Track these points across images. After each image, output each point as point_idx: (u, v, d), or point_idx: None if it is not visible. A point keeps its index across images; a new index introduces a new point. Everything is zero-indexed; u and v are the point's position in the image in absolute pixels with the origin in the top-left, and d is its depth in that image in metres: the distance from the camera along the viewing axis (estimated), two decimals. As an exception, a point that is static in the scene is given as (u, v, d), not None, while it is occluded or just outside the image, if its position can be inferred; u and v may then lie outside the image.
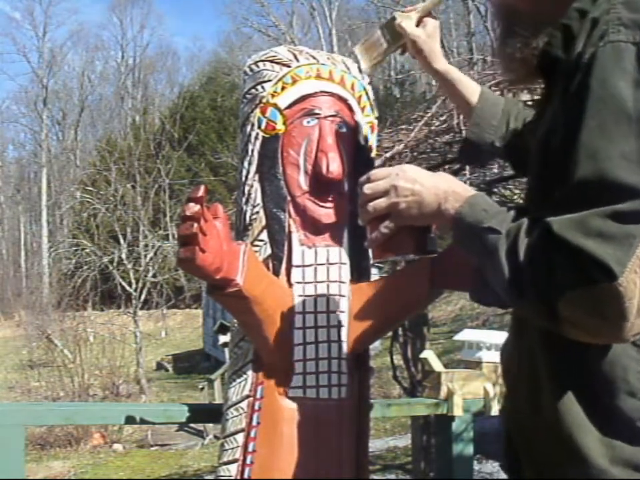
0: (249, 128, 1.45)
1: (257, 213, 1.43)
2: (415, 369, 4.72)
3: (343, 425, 1.43)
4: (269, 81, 1.43)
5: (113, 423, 6.20)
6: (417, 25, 1.47)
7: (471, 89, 1.50)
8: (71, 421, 2.03)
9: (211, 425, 9.82)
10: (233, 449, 1.41)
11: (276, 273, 1.42)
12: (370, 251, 1.16)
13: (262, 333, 1.39)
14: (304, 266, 1.42)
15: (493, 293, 0.99)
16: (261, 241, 1.42)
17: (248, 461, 1.39)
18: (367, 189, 1.07)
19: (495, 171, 4.22)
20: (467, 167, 3.95)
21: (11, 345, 21.96)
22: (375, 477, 6.58)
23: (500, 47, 1.18)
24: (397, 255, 1.12)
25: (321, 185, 1.41)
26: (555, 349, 1.03)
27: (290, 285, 1.42)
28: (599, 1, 0.97)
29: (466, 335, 2.64)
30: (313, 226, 1.43)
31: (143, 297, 16.86)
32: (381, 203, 1.06)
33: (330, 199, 1.42)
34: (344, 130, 1.44)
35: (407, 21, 1.47)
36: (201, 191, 1.14)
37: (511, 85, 1.26)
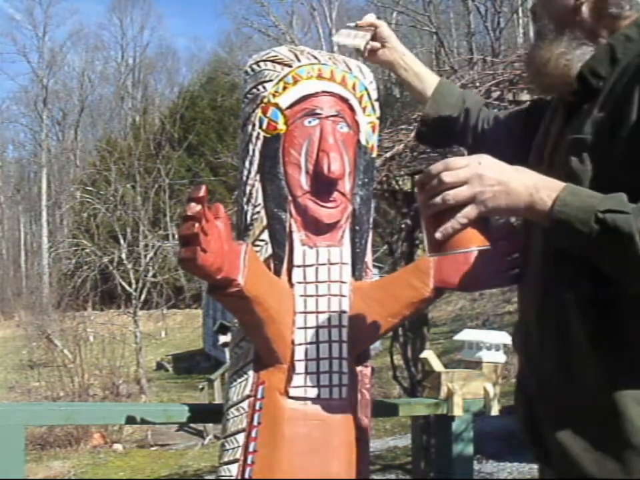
0: (250, 128, 1.45)
1: (258, 212, 1.43)
2: (415, 369, 4.72)
3: (343, 425, 1.43)
4: (270, 80, 1.43)
5: (113, 422, 6.20)
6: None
7: (431, 77, 1.65)
8: (70, 420, 2.03)
9: (211, 425, 9.83)
10: (233, 448, 1.41)
11: (277, 272, 1.42)
12: (427, 245, 1.08)
13: (263, 333, 1.39)
14: (305, 266, 1.42)
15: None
16: (262, 240, 1.42)
17: (249, 461, 1.39)
18: (448, 176, 1.03)
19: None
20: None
21: (10, 345, 21.95)
22: (375, 477, 6.58)
23: (536, 52, 1.25)
24: (468, 247, 1.07)
25: (322, 185, 1.41)
26: (594, 318, 1.11)
27: (291, 284, 1.42)
28: None
29: (466, 334, 2.63)
30: (314, 226, 1.43)
31: (143, 297, 16.85)
32: (463, 191, 1.03)
33: (331, 198, 1.42)
34: (345, 130, 1.44)
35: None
36: (202, 191, 1.14)
37: (530, 88, 1.34)
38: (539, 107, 1.46)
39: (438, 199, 1.03)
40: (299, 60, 1.44)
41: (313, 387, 1.41)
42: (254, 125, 1.44)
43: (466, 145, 1.65)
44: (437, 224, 1.04)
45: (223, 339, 14.63)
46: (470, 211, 1.03)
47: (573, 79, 1.19)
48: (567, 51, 1.20)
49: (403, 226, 4.94)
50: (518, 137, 1.45)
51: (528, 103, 1.59)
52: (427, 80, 1.65)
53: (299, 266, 1.42)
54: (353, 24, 1.61)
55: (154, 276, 17.15)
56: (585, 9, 1.20)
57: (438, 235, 1.04)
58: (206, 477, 8.63)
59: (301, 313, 1.41)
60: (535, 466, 1.54)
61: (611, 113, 1.11)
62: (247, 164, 1.45)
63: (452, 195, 1.03)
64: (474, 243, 1.06)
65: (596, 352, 1.11)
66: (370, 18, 1.63)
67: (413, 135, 3.80)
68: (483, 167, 1.04)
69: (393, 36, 1.62)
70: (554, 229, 1.04)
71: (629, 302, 1.09)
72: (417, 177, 1.09)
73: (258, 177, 1.44)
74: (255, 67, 1.47)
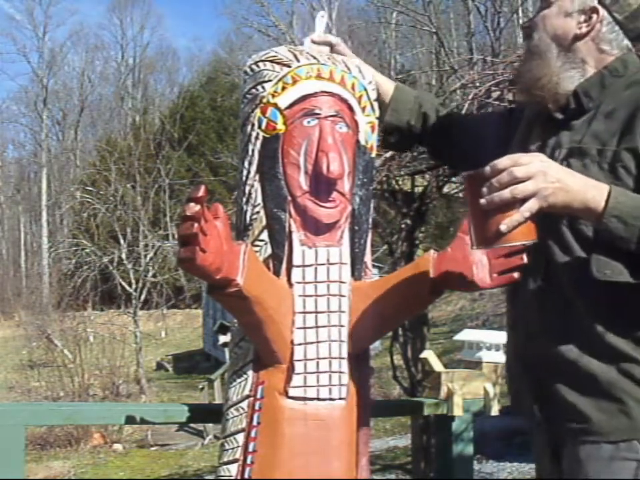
0: (249, 128, 1.45)
1: (258, 212, 1.43)
2: (415, 369, 4.72)
3: (343, 425, 1.43)
4: (270, 80, 1.43)
5: (112, 422, 6.20)
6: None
7: (388, 82, 1.73)
8: (70, 420, 2.03)
9: (210, 424, 9.83)
10: (233, 448, 1.41)
11: (276, 273, 1.41)
12: (474, 238, 1.16)
13: (262, 333, 1.39)
14: (304, 266, 1.42)
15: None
16: (261, 240, 1.42)
17: (248, 461, 1.39)
18: (519, 171, 1.11)
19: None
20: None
21: (10, 345, 21.95)
22: (375, 477, 6.58)
23: (531, 66, 1.42)
24: (525, 240, 1.14)
25: (321, 185, 1.41)
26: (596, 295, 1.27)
27: (290, 284, 1.42)
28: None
29: (466, 334, 2.64)
30: (313, 226, 1.43)
31: (143, 297, 16.87)
32: (529, 186, 1.11)
33: (330, 198, 1.42)
34: (344, 130, 1.44)
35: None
36: (201, 191, 1.14)
37: (518, 102, 1.49)
38: (518, 112, 1.60)
39: (506, 192, 1.10)
40: (298, 60, 1.44)
41: (313, 386, 1.41)
42: (253, 125, 1.44)
43: (427, 146, 1.81)
44: (489, 217, 1.11)
45: (222, 339, 14.65)
46: (532, 205, 1.12)
47: (560, 96, 1.38)
48: (560, 72, 1.38)
49: (402, 226, 4.93)
50: (497, 137, 1.57)
51: (509, 107, 1.73)
52: (383, 87, 1.69)
53: (298, 266, 1.42)
54: (308, 39, 1.59)
55: (154, 276, 17.16)
56: (583, 40, 1.39)
57: (503, 227, 1.10)
58: (206, 477, 8.64)
59: (300, 313, 1.41)
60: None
61: (614, 127, 1.30)
62: (246, 164, 1.45)
63: (520, 189, 1.10)
64: (527, 237, 1.13)
65: (601, 324, 1.27)
66: (326, 37, 1.62)
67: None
68: (546, 164, 1.15)
69: (348, 51, 1.64)
70: (607, 225, 1.16)
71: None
72: (467, 173, 1.15)
73: (257, 177, 1.44)
74: (253, 67, 1.47)
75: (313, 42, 1.58)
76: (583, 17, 1.39)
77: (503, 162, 1.12)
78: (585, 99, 1.37)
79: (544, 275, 1.36)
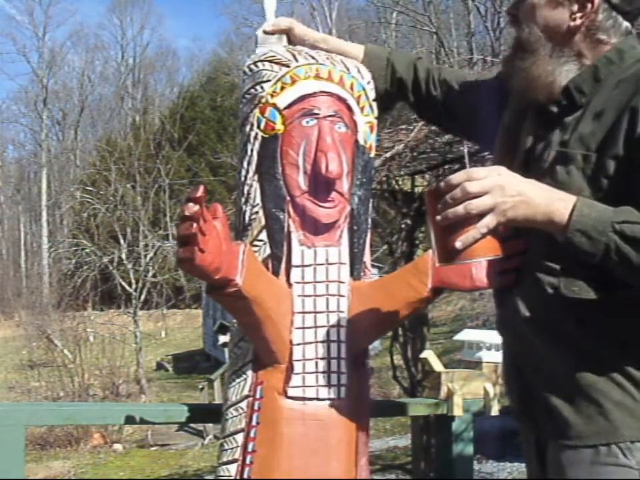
0: (248, 128, 1.45)
1: (256, 213, 1.43)
2: (415, 369, 4.72)
3: (342, 425, 1.43)
4: (268, 81, 1.43)
5: (112, 422, 6.20)
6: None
7: (356, 49, 1.61)
8: (71, 420, 2.03)
9: (210, 424, 9.83)
10: (232, 449, 1.41)
11: (275, 273, 1.41)
12: (436, 254, 1.10)
13: (261, 333, 1.39)
14: (303, 266, 1.42)
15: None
16: (260, 241, 1.42)
17: (247, 461, 1.39)
18: (473, 186, 1.06)
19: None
20: (467, 167, 3.95)
21: (10, 345, 21.95)
22: (375, 477, 6.58)
23: (523, 64, 1.32)
24: (486, 256, 1.10)
25: (320, 185, 1.41)
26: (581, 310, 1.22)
27: (289, 284, 1.42)
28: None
29: (466, 334, 2.64)
30: (312, 226, 1.42)
31: (142, 297, 16.87)
32: (486, 200, 1.07)
33: (329, 198, 1.42)
34: (343, 130, 1.44)
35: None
36: (200, 191, 1.14)
37: (520, 95, 1.39)
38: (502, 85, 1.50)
39: (460, 208, 1.06)
40: (296, 60, 1.44)
41: (312, 387, 1.41)
42: (252, 125, 1.44)
43: (411, 107, 1.73)
44: (449, 233, 1.06)
45: (222, 339, 14.65)
46: (490, 221, 1.06)
47: (556, 92, 1.30)
48: (555, 70, 1.29)
49: (402, 226, 4.94)
50: (490, 105, 1.52)
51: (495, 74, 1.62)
52: (353, 52, 1.60)
53: (297, 266, 1.42)
54: (261, 31, 1.52)
55: (154, 276, 17.17)
56: (578, 32, 1.29)
57: (458, 243, 1.06)
58: (206, 477, 8.64)
59: (299, 313, 1.41)
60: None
61: (600, 131, 1.22)
62: (245, 164, 1.45)
63: (475, 205, 1.06)
64: (489, 252, 1.08)
65: (584, 336, 1.24)
66: (278, 23, 1.54)
67: (412, 135, 3.81)
68: (504, 178, 1.09)
69: (308, 31, 1.57)
70: (571, 239, 1.10)
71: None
72: (427, 188, 1.11)
73: (256, 177, 1.44)
74: (252, 67, 1.47)
75: (266, 33, 1.52)
76: (576, 6, 1.28)
77: (456, 177, 1.08)
78: (577, 95, 1.29)
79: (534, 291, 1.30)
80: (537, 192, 1.11)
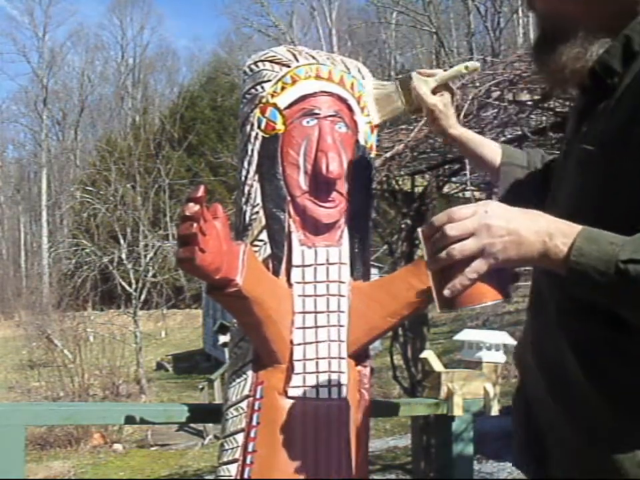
0: (248, 128, 1.45)
1: (257, 213, 1.43)
2: (415, 369, 4.72)
3: (342, 425, 1.43)
4: (269, 81, 1.43)
5: (113, 422, 6.19)
6: (434, 93, 1.50)
7: (491, 148, 1.52)
8: (71, 420, 2.03)
9: (210, 424, 9.82)
10: (232, 449, 1.41)
11: (276, 273, 1.42)
12: (436, 300, 0.99)
13: (262, 333, 1.39)
14: (304, 266, 1.42)
15: None
16: (261, 241, 1.42)
17: (248, 461, 1.39)
18: (452, 229, 0.93)
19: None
20: (467, 167, 3.95)
21: (11, 345, 21.95)
22: (375, 477, 6.58)
23: (547, 56, 1.13)
24: (481, 303, 0.97)
25: (320, 185, 1.41)
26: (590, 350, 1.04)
27: (290, 284, 1.42)
28: None
29: (466, 334, 2.63)
30: (312, 226, 1.43)
31: (142, 297, 16.85)
32: (470, 244, 0.93)
33: (330, 198, 1.42)
34: (343, 130, 1.44)
35: (423, 87, 1.50)
36: (201, 191, 1.14)
37: (550, 92, 1.22)
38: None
39: (443, 254, 0.94)
40: (297, 60, 1.44)
41: (312, 386, 1.41)
42: (252, 125, 1.44)
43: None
44: (445, 278, 0.95)
45: (222, 339, 14.64)
46: (479, 265, 0.94)
47: (586, 77, 1.09)
48: (583, 51, 1.08)
49: (402, 226, 4.94)
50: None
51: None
52: (488, 147, 1.52)
53: (297, 266, 1.42)
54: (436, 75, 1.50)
55: (154, 276, 17.16)
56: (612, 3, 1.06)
57: (446, 292, 0.95)
58: (206, 477, 8.63)
59: (299, 313, 1.41)
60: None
61: (622, 121, 1.00)
62: (245, 164, 1.45)
63: (458, 250, 0.93)
64: (487, 298, 0.97)
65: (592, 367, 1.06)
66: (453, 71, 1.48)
67: (412, 135, 3.81)
68: (490, 216, 0.94)
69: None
70: (570, 279, 0.96)
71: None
72: (420, 229, 0.98)
73: (256, 177, 1.44)
74: (253, 67, 1.47)
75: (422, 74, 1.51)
76: None
77: (438, 218, 0.95)
78: (606, 76, 1.05)
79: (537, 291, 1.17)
80: (530, 228, 0.95)
